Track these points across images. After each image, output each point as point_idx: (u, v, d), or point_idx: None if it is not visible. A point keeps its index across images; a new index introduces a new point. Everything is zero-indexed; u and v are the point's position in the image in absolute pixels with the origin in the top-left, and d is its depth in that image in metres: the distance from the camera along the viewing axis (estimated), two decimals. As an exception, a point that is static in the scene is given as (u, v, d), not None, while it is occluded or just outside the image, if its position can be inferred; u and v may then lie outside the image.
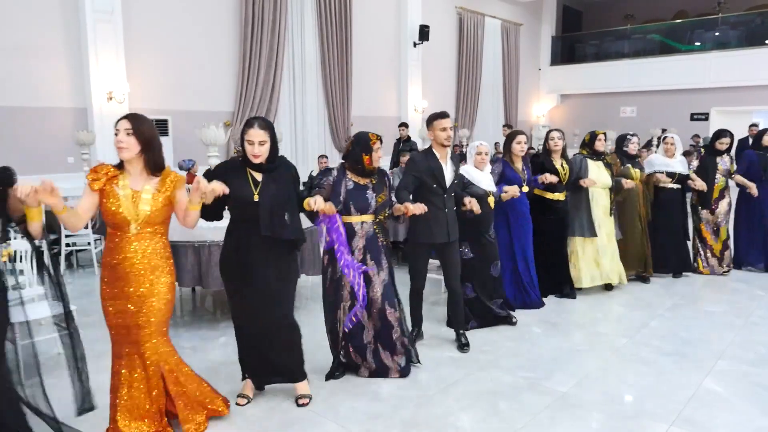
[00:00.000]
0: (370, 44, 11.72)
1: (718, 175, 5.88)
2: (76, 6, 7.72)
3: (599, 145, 5.25)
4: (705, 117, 14.11)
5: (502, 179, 4.58)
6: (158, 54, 8.62)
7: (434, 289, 5.28)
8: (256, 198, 2.93)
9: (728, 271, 6.02)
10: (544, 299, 5.02)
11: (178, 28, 8.80)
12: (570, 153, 5.27)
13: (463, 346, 3.99)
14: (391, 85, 12.45)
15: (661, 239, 5.69)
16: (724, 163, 5.91)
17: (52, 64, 7.64)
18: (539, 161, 4.98)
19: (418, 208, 3.36)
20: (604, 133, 5.31)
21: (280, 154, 3.09)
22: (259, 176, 2.99)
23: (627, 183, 5.26)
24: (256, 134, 2.89)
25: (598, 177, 5.13)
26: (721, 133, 5.98)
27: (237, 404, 3.16)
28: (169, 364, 2.80)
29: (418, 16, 12.40)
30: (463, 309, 4.10)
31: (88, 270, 6.40)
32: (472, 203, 3.82)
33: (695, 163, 6.05)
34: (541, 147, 5.56)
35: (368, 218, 3.35)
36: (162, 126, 8.57)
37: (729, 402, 3.28)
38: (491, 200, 4.26)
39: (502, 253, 4.65)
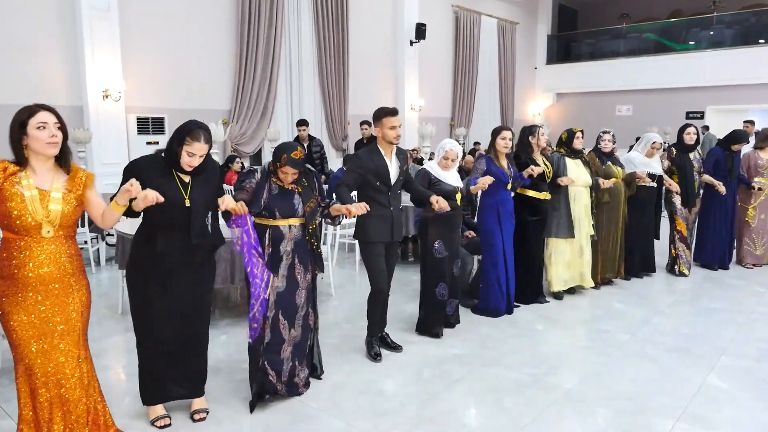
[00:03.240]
0: (367, 42, 11.70)
1: (694, 173, 5.77)
2: (72, 3, 7.66)
3: (577, 144, 5.07)
4: (701, 115, 14.16)
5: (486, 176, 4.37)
6: (154, 52, 8.55)
7: (416, 284, 5.25)
8: (187, 203, 2.71)
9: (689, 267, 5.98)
10: (521, 305, 4.84)
11: (175, 26, 8.74)
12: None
13: (396, 347, 3.91)
14: (388, 83, 12.43)
15: (631, 239, 5.57)
16: (696, 160, 5.81)
17: (47, 62, 7.57)
18: (522, 161, 4.73)
19: (359, 209, 3.21)
20: (581, 131, 5.12)
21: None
22: (186, 178, 2.77)
23: (604, 183, 5.09)
24: (201, 149, 2.70)
25: (578, 176, 4.98)
26: (686, 126, 5.84)
27: (163, 426, 2.90)
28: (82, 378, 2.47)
29: (415, 14, 12.39)
30: (386, 312, 3.91)
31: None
32: (439, 202, 3.71)
33: (666, 162, 5.84)
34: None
35: (296, 221, 3.13)
36: (158, 124, 8.52)
37: (734, 397, 3.28)
38: (458, 196, 4.13)
39: (499, 256, 4.53)
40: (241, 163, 8.66)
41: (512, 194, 4.65)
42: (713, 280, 5.77)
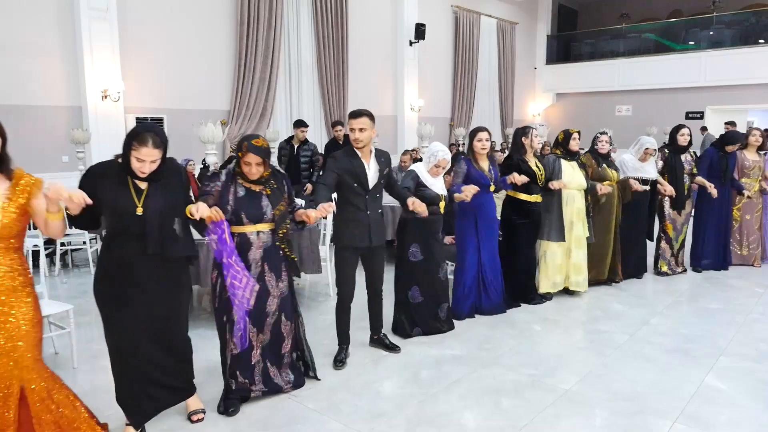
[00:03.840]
0: (366, 43, 11.69)
1: (684, 175, 5.71)
2: (71, 4, 7.65)
3: (573, 145, 4.95)
4: (700, 115, 14.16)
5: (467, 180, 4.30)
6: (153, 52, 8.55)
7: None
8: (139, 211, 2.54)
9: (685, 270, 5.99)
10: (520, 305, 4.82)
11: (174, 27, 8.74)
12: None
13: (392, 347, 3.90)
14: (388, 83, 12.43)
15: (623, 242, 5.48)
16: (687, 162, 5.74)
17: (46, 62, 7.57)
18: (513, 162, 4.63)
19: (320, 212, 3.01)
20: (578, 132, 5.04)
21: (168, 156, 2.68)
22: (143, 184, 2.59)
23: (602, 189, 5.00)
24: (150, 154, 2.49)
25: (572, 178, 4.88)
26: (680, 127, 5.75)
27: None
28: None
29: (415, 14, 12.38)
30: (382, 312, 3.91)
31: (84, 269, 6.34)
32: (415, 204, 3.61)
33: (660, 163, 5.79)
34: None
35: (265, 227, 2.97)
36: (157, 124, 8.50)
37: (732, 398, 3.27)
38: (442, 204, 4.07)
39: (468, 259, 4.49)
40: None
41: (506, 195, 4.63)
42: (712, 280, 5.77)
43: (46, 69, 7.57)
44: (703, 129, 12.37)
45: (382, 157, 3.62)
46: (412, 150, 8.52)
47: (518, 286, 4.85)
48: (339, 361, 3.69)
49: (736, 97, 13.80)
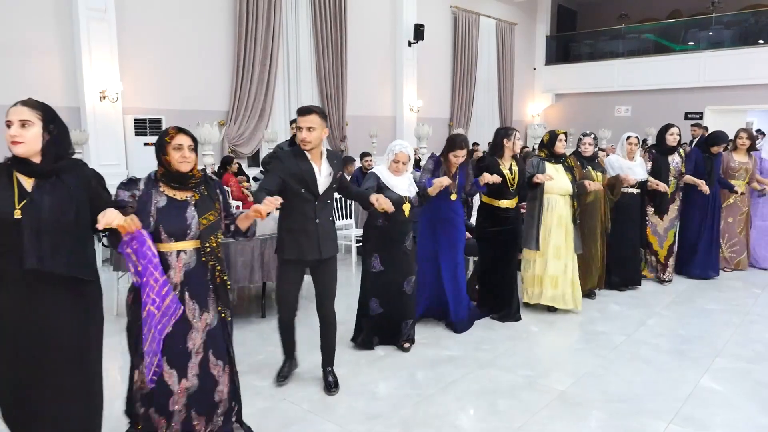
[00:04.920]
0: (365, 43, 11.69)
1: (669, 177, 5.51)
2: (69, 4, 7.64)
3: (559, 147, 4.65)
4: (699, 116, 14.15)
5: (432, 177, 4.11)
6: (152, 53, 8.55)
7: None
8: (17, 215, 2.04)
9: (671, 280, 5.68)
10: (482, 319, 4.53)
11: (172, 27, 8.73)
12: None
13: (330, 386, 3.33)
14: (386, 84, 12.43)
15: (616, 249, 5.21)
16: (675, 163, 5.57)
17: (44, 63, 7.56)
18: (484, 165, 4.42)
19: (269, 204, 2.53)
20: (565, 133, 4.76)
21: (76, 157, 2.27)
22: (30, 183, 2.10)
23: (591, 185, 4.74)
24: (16, 112, 2.06)
25: (556, 182, 4.58)
26: (669, 126, 5.57)
27: None
28: None
29: (413, 15, 12.38)
30: (335, 342, 3.41)
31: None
32: (379, 201, 3.28)
33: (650, 164, 5.54)
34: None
35: (189, 245, 2.43)
36: (156, 125, 8.50)
37: (728, 399, 3.27)
38: (407, 207, 3.76)
39: (426, 268, 4.26)
40: (239, 164, 8.66)
41: (480, 201, 4.44)
42: (709, 281, 5.76)
43: (44, 69, 7.57)
44: (705, 129, 12.36)
45: (335, 159, 3.25)
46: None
47: (495, 299, 4.60)
48: (281, 376, 3.42)
49: (735, 98, 13.79)
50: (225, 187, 2.64)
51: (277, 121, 10.29)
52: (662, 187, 5.33)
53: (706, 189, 5.49)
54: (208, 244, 2.46)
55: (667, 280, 5.67)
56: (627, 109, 15.53)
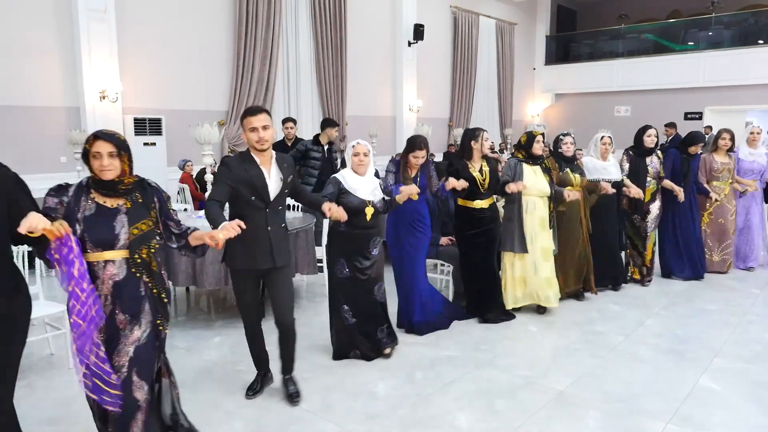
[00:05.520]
0: (365, 43, 11.70)
1: (648, 178, 5.42)
2: (68, 4, 7.65)
3: (537, 149, 4.54)
4: (699, 116, 14.16)
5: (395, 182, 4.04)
6: (152, 53, 8.55)
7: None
8: None
9: (650, 280, 5.62)
10: (464, 321, 4.51)
11: (172, 27, 8.74)
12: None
13: (291, 396, 3.21)
14: (386, 84, 12.43)
15: (597, 250, 5.09)
16: (653, 165, 5.45)
17: (44, 63, 7.57)
18: (453, 169, 4.32)
19: (228, 231, 2.39)
20: (542, 134, 4.64)
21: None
22: None
23: (570, 195, 4.62)
24: None
25: (534, 184, 4.49)
26: (647, 128, 5.48)
27: None
28: None
29: (413, 15, 12.39)
30: (294, 352, 3.26)
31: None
32: (332, 210, 3.15)
33: (626, 165, 5.44)
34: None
35: (117, 255, 2.28)
36: (156, 125, 8.51)
37: (726, 400, 3.28)
38: (369, 212, 3.59)
39: (396, 273, 4.21)
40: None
41: (456, 204, 4.39)
42: (708, 281, 5.76)
43: (43, 69, 7.58)
44: (708, 128, 12.37)
45: (284, 162, 3.09)
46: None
47: (478, 302, 4.55)
48: (251, 390, 3.29)
49: (734, 98, 13.80)
50: (165, 194, 2.46)
51: (277, 121, 10.29)
52: (634, 192, 5.21)
53: (681, 197, 5.42)
54: (137, 255, 2.30)
55: (647, 281, 5.59)
56: (627, 109, 15.53)
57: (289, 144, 7.16)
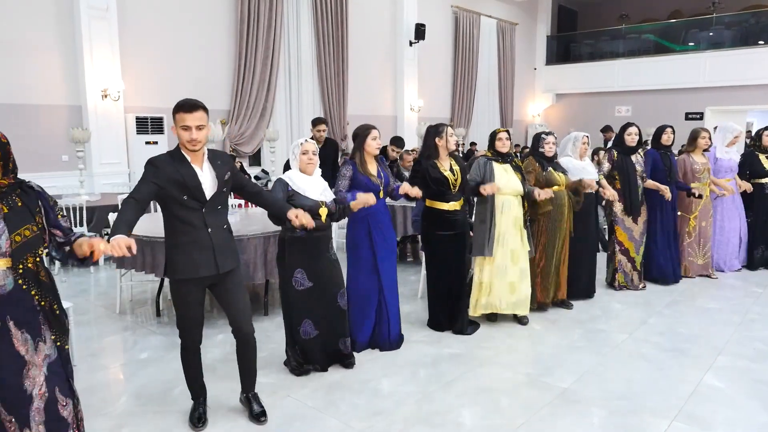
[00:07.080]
0: (366, 43, 11.71)
1: (638, 178, 5.24)
2: (70, 3, 7.67)
3: (500, 146, 4.32)
4: (700, 116, 14.18)
5: (354, 185, 3.73)
6: (153, 51, 8.57)
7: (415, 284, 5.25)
8: None
9: (645, 286, 5.44)
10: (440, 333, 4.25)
11: (174, 26, 8.75)
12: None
13: (258, 416, 2.97)
14: (387, 83, 12.45)
15: (574, 256, 4.86)
16: (639, 164, 5.28)
17: (46, 61, 7.59)
18: (421, 168, 4.07)
19: (113, 249, 2.14)
20: (507, 131, 4.45)
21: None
22: None
23: (540, 194, 4.30)
24: None
25: (507, 183, 4.25)
26: (628, 125, 5.28)
27: None
28: None
29: (414, 14, 12.41)
30: (255, 363, 3.03)
31: (83, 268, 6.35)
32: (299, 216, 2.90)
33: (606, 165, 5.25)
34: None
35: None
36: (157, 124, 8.52)
37: (730, 398, 3.28)
38: (324, 212, 3.38)
39: (362, 280, 3.84)
40: (240, 163, 8.67)
41: (424, 205, 4.15)
42: (710, 280, 5.76)
43: (45, 68, 7.59)
44: (714, 128, 12.38)
45: (218, 159, 2.80)
46: (413, 150, 8.51)
47: (445, 312, 4.27)
48: (197, 419, 2.94)
49: (735, 98, 13.82)
50: (49, 197, 2.20)
51: (279, 120, 10.31)
52: (609, 193, 4.99)
53: (668, 196, 5.25)
54: (22, 265, 2.05)
55: (640, 287, 5.41)
56: (627, 109, 15.55)
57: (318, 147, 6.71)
